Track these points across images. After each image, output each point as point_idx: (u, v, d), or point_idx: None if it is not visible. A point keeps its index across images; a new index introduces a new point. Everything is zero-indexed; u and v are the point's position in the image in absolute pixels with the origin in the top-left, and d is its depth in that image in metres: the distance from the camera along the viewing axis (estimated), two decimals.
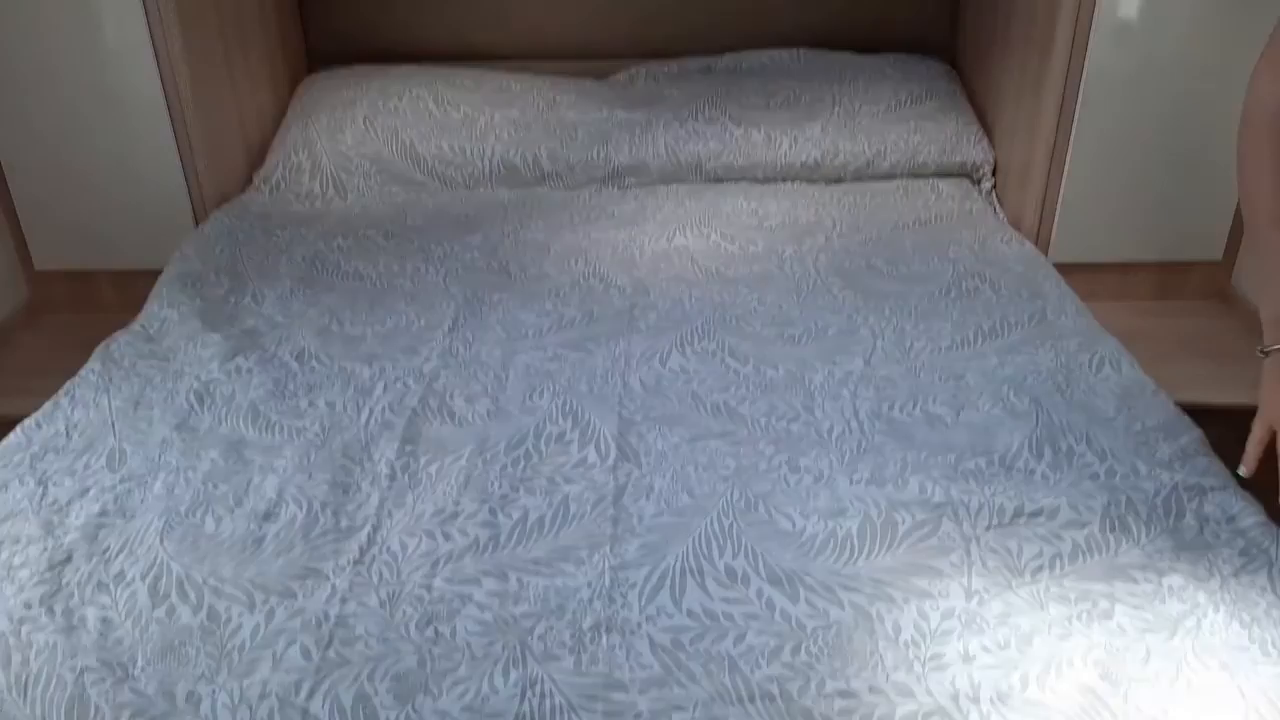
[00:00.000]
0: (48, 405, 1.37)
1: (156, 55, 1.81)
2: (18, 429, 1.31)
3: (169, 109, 1.84)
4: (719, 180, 2.14)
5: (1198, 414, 1.35)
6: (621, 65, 2.37)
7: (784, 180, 2.15)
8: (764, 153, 2.12)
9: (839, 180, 2.15)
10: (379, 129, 2.10)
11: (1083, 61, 1.82)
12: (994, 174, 2.17)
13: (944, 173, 2.16)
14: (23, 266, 2.00)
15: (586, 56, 2.39)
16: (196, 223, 1.92)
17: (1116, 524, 1.12)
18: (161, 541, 1.11)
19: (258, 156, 2.13)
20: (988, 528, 1.12)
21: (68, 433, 1.32)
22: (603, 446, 1.26)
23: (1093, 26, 1.80)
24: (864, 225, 1.94)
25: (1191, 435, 1.28)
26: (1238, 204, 1.93)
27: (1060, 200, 1.95)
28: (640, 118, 2.17)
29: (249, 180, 2.09)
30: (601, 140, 2.13)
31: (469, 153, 2.10)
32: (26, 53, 1.80)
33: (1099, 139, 1.89)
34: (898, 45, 2.39)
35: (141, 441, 1.29)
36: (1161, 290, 2.05)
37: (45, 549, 1.10)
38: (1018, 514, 1.13)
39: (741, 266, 1.79)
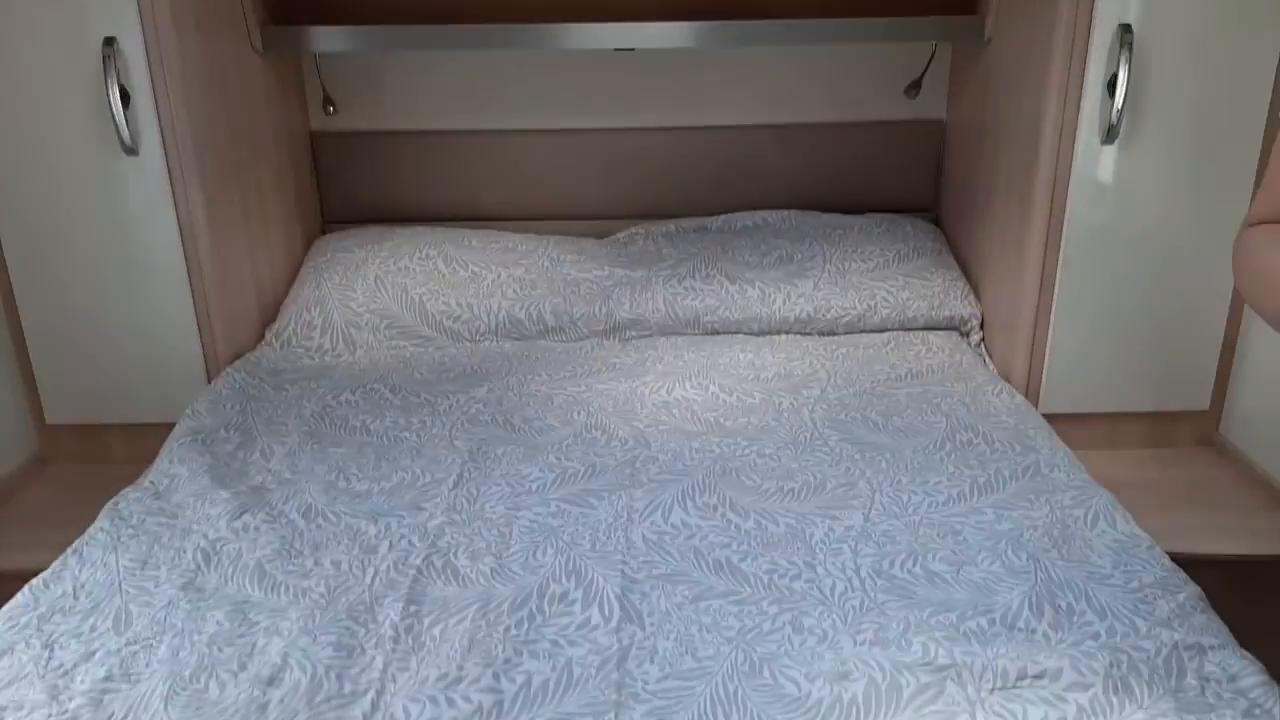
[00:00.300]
0: (56, 564, 1.38)
1: (179, 219, 1.89)
2: (26, 589, 1.32)
3: (188, 272, 1.92)
4: (716, 333, 2.22)
5: (1191, 564, 1.37)
6: (622, 225, 2.49)
7: (779, 333, 2.22)
8: (759, 307, 2.21)
9: (832, 333, 2.23)
10: (389, 286, 2.18)
11: (1062, 220, 1.91)
12: (982, 327, 2.24)
13: (933, 326, 2.24)
14: (34, 419, 2.04)
15: (589, 217, 2.51)
16: (209, 378, 1.97)
17: (1119, 685, 1.12)
18: (165, 708, 1.10)
19: (271, 313, 2.21)
20: (992, 690, 1.12)
21: (75, 593, 1.32)
22: (606, 607, 1.27)
23: (1070, 187, 1.90)
24: (858, 378, 2.00)
25: (1189, 591, 1.30)
26: (1221, 352, 2.01)
27: (1048, 353, 2.02)
28: (640, 275, 2.26)
29: (261, 336, 2.16)
30: (603, 296, 2.21)
31: (475, 308, 2.18)
32: (50, 211, 1.88)
33: (1081, 293, 1.97)
34: (885, 206, 2.52)
35: (148, 602, 1.30)
36: (1152, 439, 2.09)
37: (50, 715, 1.09)
38: (1021, 676, 1.14)
39: (740, 418, 1.84)
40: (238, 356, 2.05)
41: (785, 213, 2.47)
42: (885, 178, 2.53)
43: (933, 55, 2.41)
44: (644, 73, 2.43)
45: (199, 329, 1.95)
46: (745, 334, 2.22)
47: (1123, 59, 1.78)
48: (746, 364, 2.06)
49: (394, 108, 2.45)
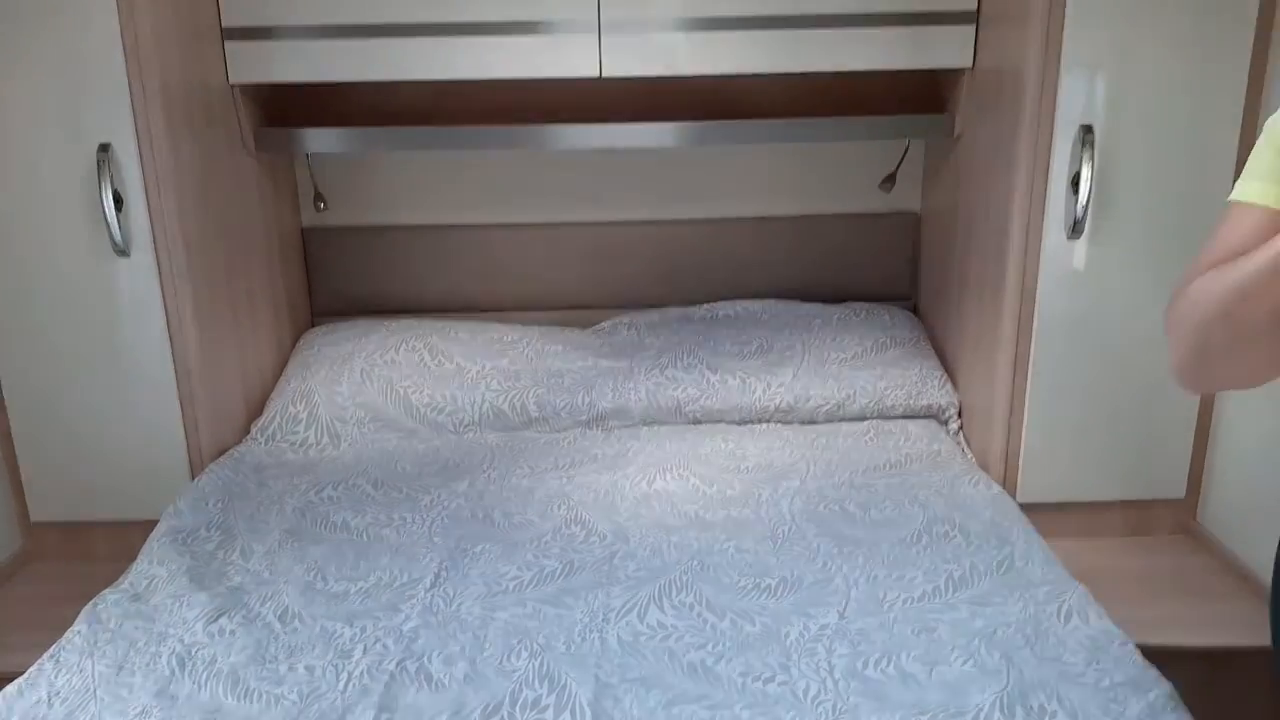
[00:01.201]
0: (32, 669, 1.38)
1: (167, 319, 1.93)
2: (0, 695, 1.32)
3: (175, 371, 1.95)
4: (698, 422, 2.25)
5: (1167, 657, 1.38)
6: (606, 315, 2.54)
7: (760, 422, 2.25)
8: (739, 397, 2.24)
9: (812, 422, 2.25)
10: (375, 379, 2.22)
11: (1033, 311, 1.96)
12: (960, 415, 2.27)
13: (912, 414, 2.27)
14: (18, 517, 2.05)
15: (574, 308, 2.56)
16: (193, 475, 1.98)
17: None
18: None
19: (257, 407, 2.24)
20: None
21: (50, 700, 1.32)
22: (578, 714, 1.27)
23: (1039, 279, 1.95)
24: (837, 468, 2.02)
25: (1160, 690, 1.30)
26: (1195, 440, 2.04)
27: (1023, 442, 2.04)
28: (623, 365, 2.30)
29: (246, 431, 2.18)
30: (586, 387, 2.24)
31: (460, 400, 2.21)
32: (39, 309, 1.91)
33: (1055, 382, 2.00)
34: (864, 295, 2.57)
35: (122, 710, 1.30)
36: (1129, 528, 2.10)
37: None
38: None
39: (719, 510, 1.85)
40: (223, 452, 2.07)
41: (766, 302, 2.52)
42: (863, 268, 2.59)
43: (906, 150, 2.49)
44: (628, 168, 2.51)
45: (184, 427, 1.98)
46: (727, 423, 2.25)
47: (1085, 158, 1.85)
48: (727, 454, 2.09)
49: (384, 203, 2.52)
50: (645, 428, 2.22)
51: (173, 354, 1.95)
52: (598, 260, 2.56)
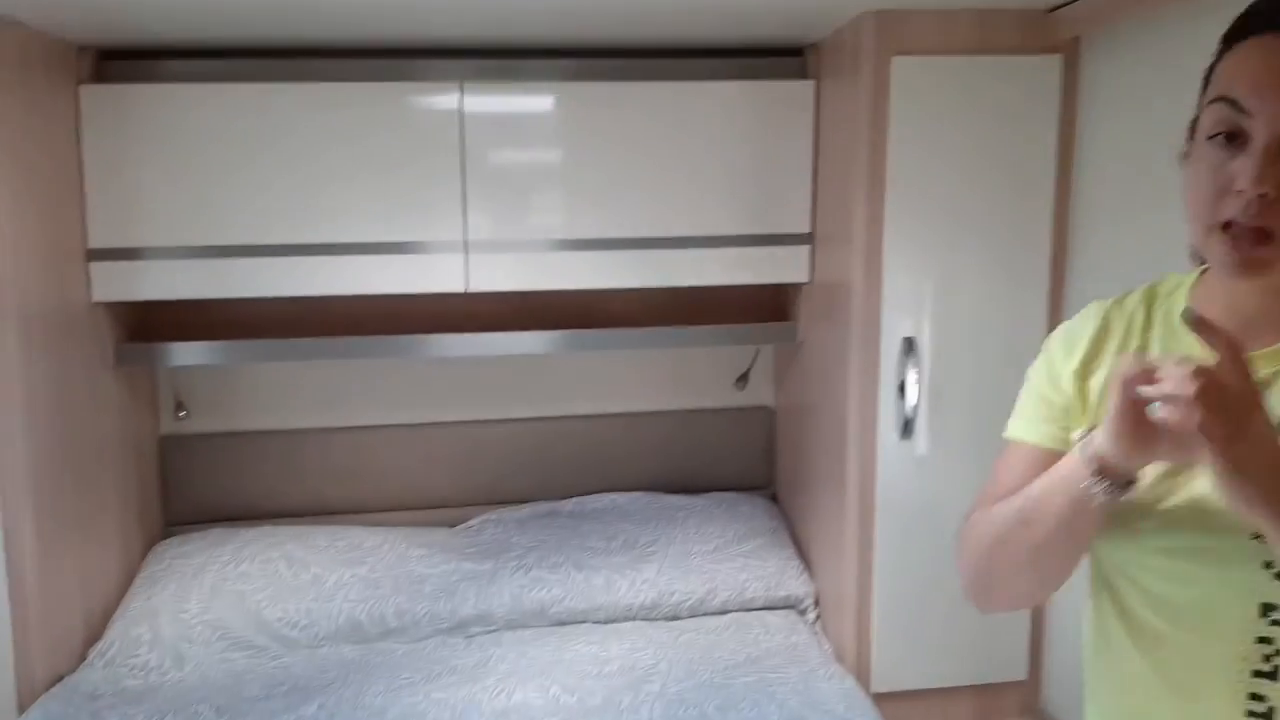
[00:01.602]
0: None
1: (4, 538, 1.85)
2: None
3: (9, 592, 1.86)
4: (562, 624, 2.24)
5: None
6: (475, 512, 2.56)
7: (624, 620, 2.26)
8: (604, 596, 2.26)
9: (675, 617, 2.28)
10: (226, 594, 2.15)
11: (873, 504, 2.07)
12: (817, 605, 2.34)
13: (772, 605, 2.32)
14: None
15: (442, 506, 2.58)
16: (20, 709, 1.86)
17: None
18: None
19: (98, 627, 2.13)
20: None
21: None
22: None
23: (877, 474, 2.07)
24: (698, 666, 2.04)
25: None
26: (1032, 624, 2.15)
27: (873, 630, 2.11)
28: (487, 568, 2.30)
29: (84, 656, 2.06)
30: (448, 592, 2.23)
31: (315, 613, 2.16)
32: None
33: (898, 571, 2.10)
34: (727, 485, 2.67)
35: None
36: (979, 712, 2.18)
37: None
38: None
39: None
40: (58, 679, 1.95)
41: (632, 495, 2.59)
42: (725, 459, 2.70)
43: (757, 353, 2.66)
44: (497, 370, 2.60)
45: (14, 655, 1.87)
46: (591, 623, 2.25)
47: (910, 364, 2.02)
48: (590, 658, 2.08)
49: (247, 409, 2.52)
50: (509, 632, 2.20)
51: (8, 577, 1.86)
52: (467, 459, 2.60)
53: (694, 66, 2.23)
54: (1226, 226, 0.85)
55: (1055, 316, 2.05)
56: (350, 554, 2.30)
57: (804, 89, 2.22)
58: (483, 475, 2.61)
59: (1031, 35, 1.93)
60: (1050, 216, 2.02)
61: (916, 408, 2.04)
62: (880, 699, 2.09)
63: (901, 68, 1.92)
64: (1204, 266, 1.00)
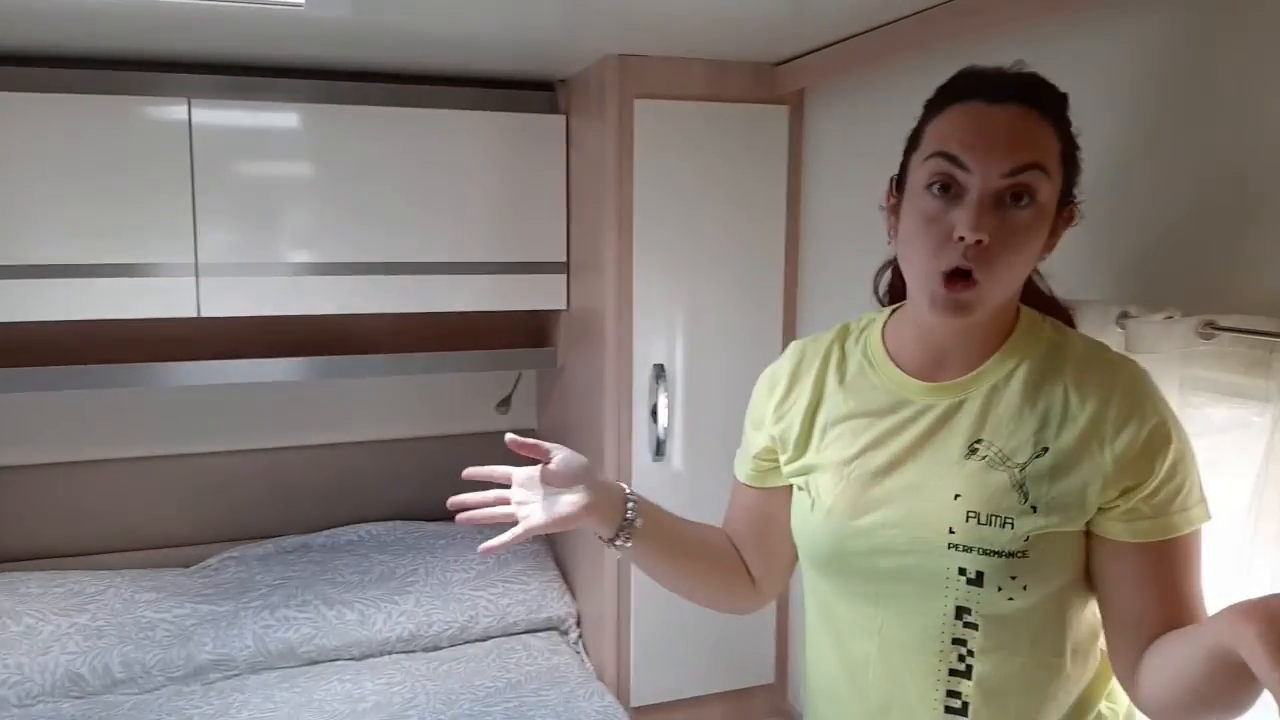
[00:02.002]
0: None
1: None
2: None
3: None
4: (314, 663, 2.16)
5: None
6: (213, 550, 2.41)
7: (381, 654, 2.21)
8: (358, 631, 2.19)
9: (436, 648, 2.25)
10: None
11: None
12: (579, 624, 2.39)
13: (534, 629, 2.35)
14: None
15: (176, 545, 2.41)
16: None
17: None
18: None
19: None
20: None
21: None
22: None
23: (634, 482, 2.10)
24: (458, 696, 2.03)
25: None
26: (776, 628, 2.30)
27: (632, 646, 2.19)
28: (227, 609, 2.17)
29: None
30: (183, 638, 2.08)
31: (27, 669, 1.95)
32: None
33: (655, 585, 2.16)
34: None
35: None
36: (732, 716, 2.30)
37: None
38: None
39: None
40: None
41: (389, 525, 2.53)
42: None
43: (519, 378, 2.69)
44: (243, 397, 2.47)
45: None
46: (345, 660, 2.18)
47: (660, 389, 2.11)
48: (344, 695, 2.02)
49: None
50: (253, 676, 2.09)
51: None
52: (205, 493, 2.45)
53: (448, 95, 2.24)
54: (942, 271, 0.94)
55: (789, 338, 2.21)
56: (69, 601, 2.10)
57: (556, 122, 2.29)
58: (222, 510, 2.47)
59: (762, 86, 2.10)
60: (783, 248, 2.20)
61: (668, 429, 2.14)
62: (639, 712, 2.17)
63: (644, 109, 2.03)
64: (895, 305, 1.12)
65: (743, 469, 1.22)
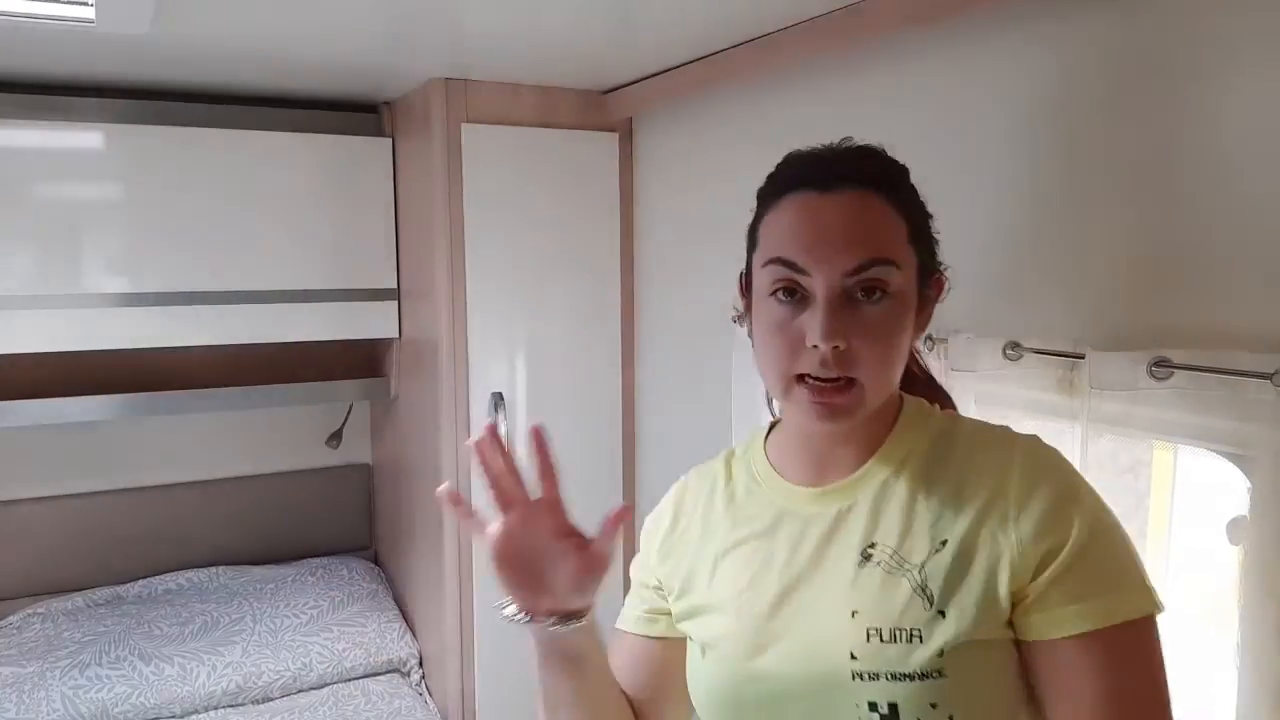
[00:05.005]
0: None
1: None
2: None
3: None
4: None
5: None
6: (14, 606, 2.26)
7: (206, 710, 2.13)
8: (180, 686, 2.12)
9: (267, 699, 2.19)
10: None
11: (471, 558, 2.14)
12: (421, 665, 2.34)
13: (374, 672, 2.33)
14: None
15: None
16: None
17: None
18: None
19: None
20: None
21: None
22: None
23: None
24: None
25: None
26: None
27: (477, 683, 2.17)
28: (32, 670, 2.06)
29: None
30: None
31: None
32: None
33: (498, 622, 2.14)
34: (324, 550, 2.62)
35: None
36: None
37: None
38: None
39: None
40: None
41: (212, 570, 2.45)
42: (321, 522, 2.63)
43: (350, 411, 2.63)
44: (51, 439, 2.34)
45: None
46: (166, 718, 2.09)
47: (500, 419, 2.10)
48: None
49: None
50: None
51: None
52: (2, 544, 2.28)
53: (268, 116, 2.21)
54: (802, 378, 0.88)
55: (628, 359, 2.26)
56: None
57: (381, 146, 2.28)
58: (25, 562, 2.33)
59: (591, 113, 2.17)
60: (618, 271, 2.26)
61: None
62: None
63: (472, 133, 2.06)
64: (774, 420, 1.05)
65: (630, 617, 1.09)
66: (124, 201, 2.08)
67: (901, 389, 0.98)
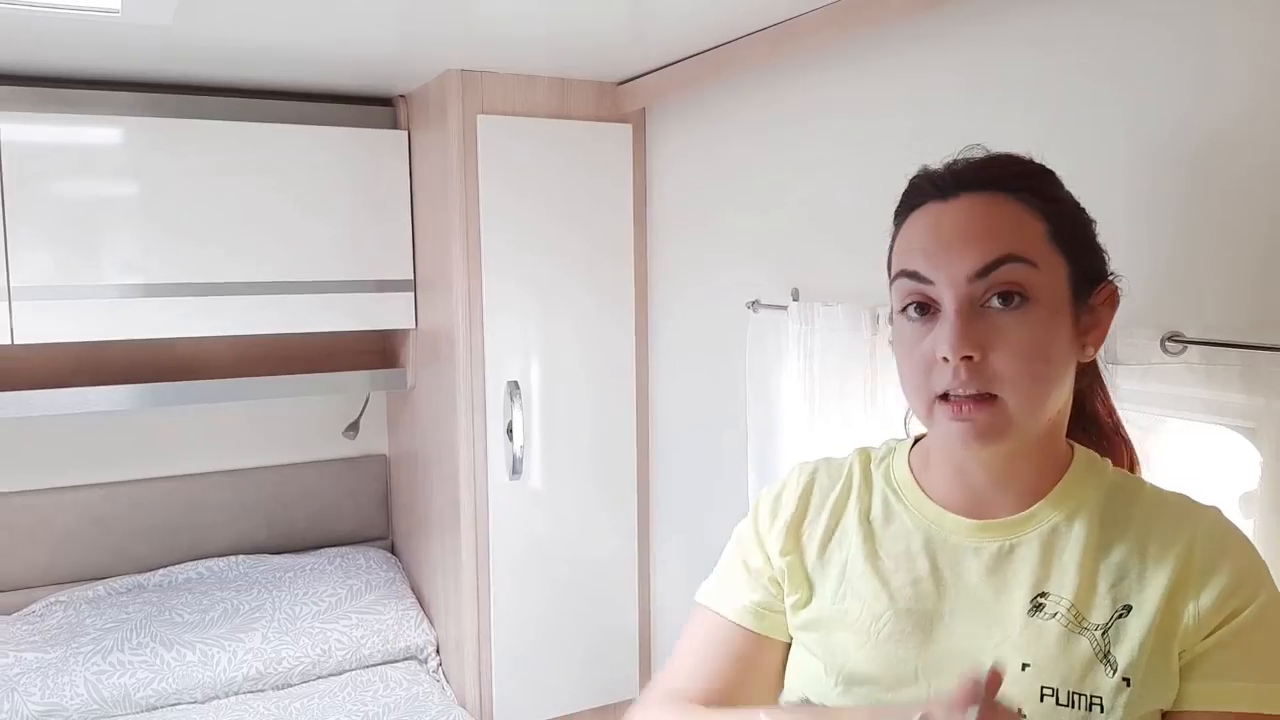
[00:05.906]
0: None
1: None
2: None
3: None
4: (153, 708, 2.11)
5: None
6: (36, 595, 2.31)
7: (227, 695, 2.16)
8: (201, 672, 2.14)
9: (286, 685, 2.22)
10: None
11: (488, 545, 2.19)
12: (438, 652, 2.37)
13: (391, 659, 2.34)
14: None
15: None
16: None
17: None
18: None
19: None
20: None
21: None
22: None
23: (490, 516, 2.18)
24: None
25: None
26: (639, 646, 2.35)
27: (494, 668, 2.21)
28: (55, 657, 2.09)
29: None
30: (7, 689, 2.01)
31: None
32: None
33: (515, 608, 2.24)
34: (340, 540, 2.64)
35: None
36: None
37: None
38: None
39: None
40: None
41: (231, 560, 2.48)
42: (336, 513, 2.66)
43: (367, 401, 2.66)
44: (72, 429, 2.38)
45: None
46: (187, 704, 2.13)
47: (515, 408, 2.13)
48: None
49: None
50: None
51: None
52: (25, 533, 2.35)
53: (284, 109, 2.24)
54: (944, 397, 0.83)
55: (642, 348, 2.29)
56: None
57: (397, 138, 2.31)
58: (46, 552, 2.37)
59: (605, 105, 2.20)
60: (632, 260, 2.28)
61: (525, 447, 2.16)
62: None
63: (487, 125, 2.08)
64: (920, 434, 0.98)
65: (728, 601, 0.98)
66: (143, 194, 2.11)
67: (1083, 432, 0.94)
